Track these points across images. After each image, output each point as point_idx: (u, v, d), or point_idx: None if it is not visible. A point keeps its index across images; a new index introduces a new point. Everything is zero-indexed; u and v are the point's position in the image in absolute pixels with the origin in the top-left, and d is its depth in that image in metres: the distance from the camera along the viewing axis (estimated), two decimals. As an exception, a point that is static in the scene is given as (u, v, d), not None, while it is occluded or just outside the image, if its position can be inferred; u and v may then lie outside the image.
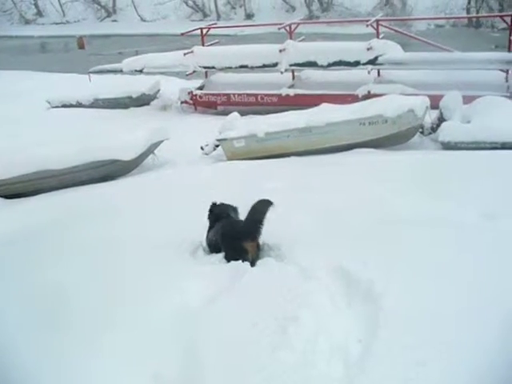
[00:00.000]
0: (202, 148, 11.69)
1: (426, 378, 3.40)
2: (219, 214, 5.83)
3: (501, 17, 18.32)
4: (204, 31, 18.13)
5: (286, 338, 3.95)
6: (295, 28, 17.43)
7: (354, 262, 4.76)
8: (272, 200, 5.69)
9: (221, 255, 5.44)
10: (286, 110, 12.15)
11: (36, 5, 49.04)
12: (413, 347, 3.63)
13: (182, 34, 18.78)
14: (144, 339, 4.15)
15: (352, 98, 14.26)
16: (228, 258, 5.35)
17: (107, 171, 10.57)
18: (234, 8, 43.76)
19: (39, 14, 49.27)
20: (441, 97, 11.53)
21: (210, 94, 17.15)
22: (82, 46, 33.05)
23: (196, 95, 17.21)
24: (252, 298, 4.51)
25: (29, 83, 21.40)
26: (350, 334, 3.97)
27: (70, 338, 4.25)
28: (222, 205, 6.00)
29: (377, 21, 16.27)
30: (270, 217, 5.99)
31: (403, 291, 4.22)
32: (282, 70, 15.97)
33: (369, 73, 15.22)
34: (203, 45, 17.84)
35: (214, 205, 5.97)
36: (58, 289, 5.01)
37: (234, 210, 5.99)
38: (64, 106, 18.34)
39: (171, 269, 5.22)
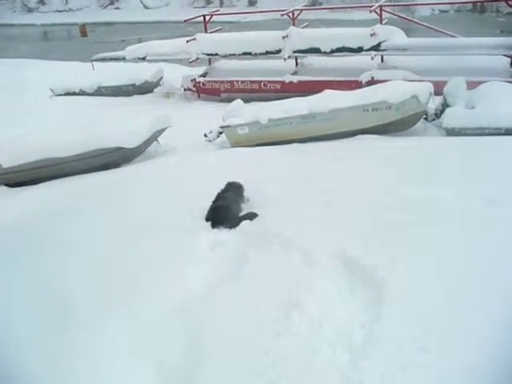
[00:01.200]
0: (205, 135, 11.68)
1: (430, 363, 3.41)
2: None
3: (506, 1, 18.19)
4: (207, 18, 18.06)
5: (290, 323, 3.97)
6: (298, 14, 17.37)
7: (357, 248, 4.76)
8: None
9: (225, 239, 5.56)
10: (290, 97, 12.11)
11: (39, -8, 48.95)
12: (416, 333, 3.64)
13: (185, 21, 18.75)
14: (147, 326, 4.19)
15: (355, 85, 14.23)
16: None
17: (111, 159, 10.58)
18: (236, -6, 43.61)
19: (42, 2, 49.17)
20: (445, 83, 11.49)
21: (214, 81, 17.12)
22: (84, 34, 33.00)
23: (199, 82, 17.19)
24: (255, 284, 4.54)
25: (32, 71, 21.41)
26: (354, 319, 3.98)
27: (74, 326, 4.28)
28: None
29: (380, 6, 16.19)
30: (274, 203, 6.08)
31: (406, 277, 4.22)
32: (286, 56, 15.93)
33: (372, 59, 15.17)
34: (206, 32, 17.80)
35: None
36: (63, 276, 5.04)
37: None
38: (67, 93, 18.36)
39: (175, 256, 5.24)
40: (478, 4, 32.55)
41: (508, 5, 16.44)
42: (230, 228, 5.82)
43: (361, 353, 3.62)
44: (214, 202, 6.29)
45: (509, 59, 14.77)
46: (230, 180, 6.67)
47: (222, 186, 6.54)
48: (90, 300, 4.62)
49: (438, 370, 3.36)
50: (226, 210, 6.05)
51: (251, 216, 5.99)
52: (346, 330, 3.88)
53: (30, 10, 48.71)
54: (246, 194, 6.61)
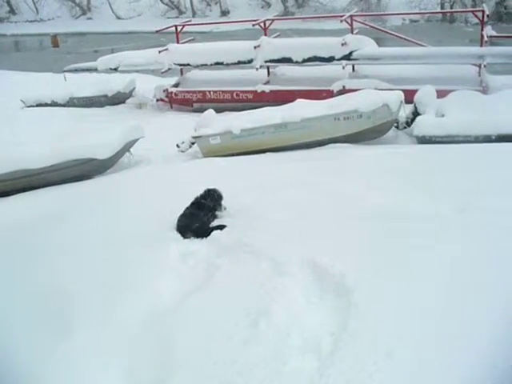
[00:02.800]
0: (177, 145, 11.67)
1: (395, 369, 3.45)
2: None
3: (473, 12, 18.53)
4: (179, 28, 18.09)
5: (258, 332, 3.98)
6: (270, 24, 17.48)
7: (327, 257, 4.79)
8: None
9: (195, 249, 5.56)
10: (262, 107, 12.19)
11: (9, 2, 48.60)
12: (383, 339, 3.67)
13: (157, 32, 18.77)
14: (117, 336, 4.18)
15: (327, 94, 14.35)
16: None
17: (83, 170, 10.50)
18: (209, 5, 43.75)
19: (12, 11, 48.81)
20: (415, 91, 11.66)
21: (186, 92, 17.15)
22: (56, 45, 32.80)
23: (171, 93, 17.21)
24: (225, 293, 4.55)
25: (2, 83, 21.21)
26: (322, 327, 4.00)
27: (44, 335, 4.27)
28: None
29: (351, 16, 16.39)
30: (246, 212, 6.12)
31: (375, 285, 4.26)
32: (257, 66, 16.02)
33: (343, 68, 15.30)
34: (178, 42, 17.82)
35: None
36: (31, 286, 5.02)
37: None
38: (39, 105, 18.21)
39: (145, 266, 5.23)
40: (448, 14, 33.11)
41: (475, 16, 16.70)
42: (201, 238, 5.83)
43: (329, 360, 3.64)
44: (189, 208, 6.28)
45: (477, 68, 15.01)
46: (208, 187, 6.61)
47: (201, 192, 6.50)
48: (59, 310, 4.59)
49: (403, 376, 3.40)
50: (193, 218, 6.05)
51: (220, 228, 6.00)
52: (315, 338, 3.90)
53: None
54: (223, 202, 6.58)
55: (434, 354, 3.50)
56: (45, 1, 47.87)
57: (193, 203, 6.36)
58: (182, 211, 6.24)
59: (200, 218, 6.09)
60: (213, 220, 6.29)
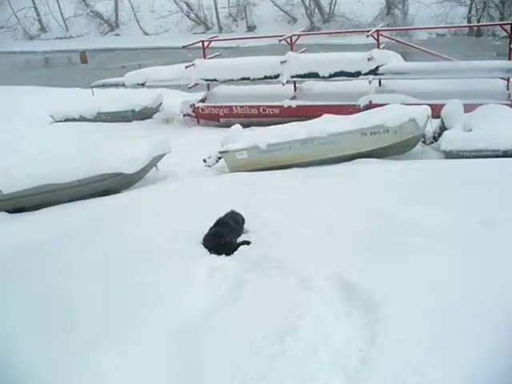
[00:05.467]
0: (204, 160, 11.73)
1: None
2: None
3: (501, 25, 18.39)
4: (206, 44, 18.21)
5: (285, 348, 3.97)
6: (296, 40, 17.51)
7: (354, 272, 4.77)
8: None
9: (222, 264, 5.57)
10: (288, 122, 12.19)
11: (40, 20, 49.55)
12: (412, 356, 3.63)
13: (184, 47, 18.90)
14: (143, 354, 4.17)
15: (353, 109, 14.32)
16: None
17: (111, 184, 10.59)
18: (235, 20, 44.03)
19: (43, 29, 49.74)
20: (442, 106, 11.58)
21: (212, 107, 17.22)
22: (84, 61, 33.29)
23: (198, 108, 17.28)
24: (252, 309, 4.54)
25: (32, 98, 21.50)
26: (350, 343, 3.97)
27: (72, 350, 4.29)
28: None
29: (377, 31, 16.35)
30: (273, 228, 6.11)
31: (403, 300, 4.23)
32: (284, 81, 16.02)
33: (370, 83, 15.26)
34: (205, 57, 17.93)
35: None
36: (61, 300, 5.06)
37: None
38: (67, 120, 18.46)
39: (172, 281, 5.25)
40: (475, 28, 32.90)
41: (503, 29, 16.58)
42: (227, 255, 5.81)
43: (357, 376, 3.61)
44: (213, 227, 6.27)
45: (505, 82, 14.89)
46: (232, 207, 6.61)
47: (222, 214, 6.49)
48: (88, 325, 4.62)
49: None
50: (220, 237, 6.02)
51: (247, 243, 5.98)
52: (343, 354, 3.87)
53: (31, 38, 49.19)
54: (245, 225, 6.54)
55: (464, 373, 3.45)
56: (74, 18, 48.74)
57: (217, 223, 6.35)
58: (207, 228, 6.24)
59: (225, 236, 6.07)
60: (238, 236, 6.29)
